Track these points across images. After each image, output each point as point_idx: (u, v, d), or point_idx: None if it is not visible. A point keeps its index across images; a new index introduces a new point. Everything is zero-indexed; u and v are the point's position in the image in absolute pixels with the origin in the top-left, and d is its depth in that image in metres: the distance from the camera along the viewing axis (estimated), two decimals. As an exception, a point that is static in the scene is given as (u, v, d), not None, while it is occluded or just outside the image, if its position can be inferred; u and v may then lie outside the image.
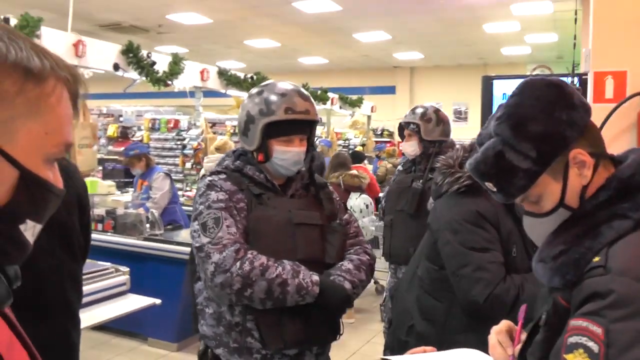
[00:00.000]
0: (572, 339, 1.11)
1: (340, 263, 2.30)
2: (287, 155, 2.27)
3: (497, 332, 1.53)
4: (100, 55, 7.31)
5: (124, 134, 10.90)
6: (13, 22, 6.08)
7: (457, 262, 2.32)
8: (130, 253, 5.25)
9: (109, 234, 5.49)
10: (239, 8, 12.08)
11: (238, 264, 2.05)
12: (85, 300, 3.46)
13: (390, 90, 18.67)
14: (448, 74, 17.83)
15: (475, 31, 13.74)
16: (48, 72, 0.80)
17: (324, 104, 13.36)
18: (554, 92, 1.31)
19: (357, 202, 6.12)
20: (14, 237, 0.82)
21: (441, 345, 1.68)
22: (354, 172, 6.31)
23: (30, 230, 0.84)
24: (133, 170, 6.49)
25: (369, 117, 15.66)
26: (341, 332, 2.34)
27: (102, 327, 5.62)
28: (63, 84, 0.83)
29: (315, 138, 12.08)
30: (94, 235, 5.39)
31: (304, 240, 2.24)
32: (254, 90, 2.34)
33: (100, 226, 5.52)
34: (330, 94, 13.55)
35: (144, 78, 7.93)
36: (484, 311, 2.21)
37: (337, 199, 2.49)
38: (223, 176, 2.29)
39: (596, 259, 1.19)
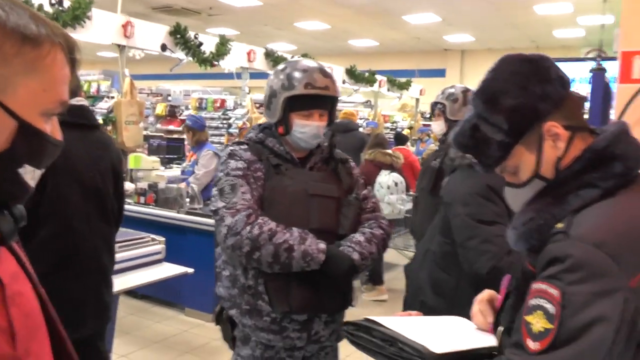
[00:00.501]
0: (533, 302, 1.17)
1: (352, 235, 2.38)
2: (306, 128, 2.37)
3: (479, 301, 1.59)
4: (149, 36, 7.56)
5: (172, 113, 11.18)
6: (67, 3, 6.34)
7: (465, 234, 2.38)
8: (169, 225, 5.44)
9: (150, 206, 5.71)
10: (289, -10, 12.20)
11: (248, 227, 2.17)
12: (122, 266, 3.67)
13: (441, 73, 18.44)
14: (500, 57, 17.43)
15: (526, 13, 13.46)
16: (44, 37, 0.92)
17: (371, 86, 13.39)
18: (528, 67, 1.35)
19: (385, 178, 6.21)
20: (15, 179, 0.94)
21: None
22: (388, 150, 6.42)
23: (29, 174, 0.96)
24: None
25: (417, 100, 15.60)
26: (353, 303, 2.43)
27: (143, 296, 5.91)
28: (59, 48, 0.95)
29: (363, 120, 12.09)
30: (135, 207, 5.66)
31: (318, 211, 2.34)
32: (279, 67, 2.45)
33: (142, 199, 5.74)
34: (378, 76, 13.56)
35: (190, 58, 8.14)
36: (488, 283, 2.26)
37: (357, 174, 2.57)
38: (244, 147, 2.41)
39: (559, 225, 1.23)
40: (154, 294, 5.81)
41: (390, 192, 6.16)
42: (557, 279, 1.14)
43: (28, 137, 0.92)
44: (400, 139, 8.97)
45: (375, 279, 6.58)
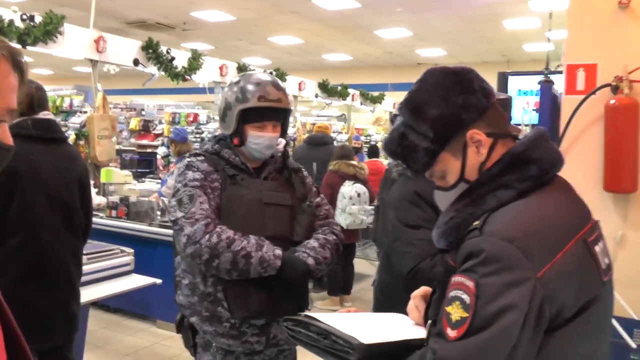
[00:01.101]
0: (452, 293, 1.25)
1: (307, 241, 2.46)
2: (260, 139, 2.46)
3: (413, 297, 1.69)
4: (121, 51, 7.60)
5: (146, 127, 11.23)
6: (38, 19, 6.39)
7: (392, 237, 2.53)
8: (140, 238, 5.49)
9: (122, 219, 5.75)
10: (261, 5, 12.31)
11: (207, 236, 2.24)
12: (91, 277, 3.73)
13: (414, 87, 18.59)
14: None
15: (496, 27, 13.75)
16: None
17: (344, 99, 13.53)
18: (450, 79, 1.43)
19: (348, 189, 6.33)
20: None
21: None
22: (353, 162, 6.55)
23: None
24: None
25: (390, 114, 15.77)
26: (309, 307, 2.51)
27: (115, 309, 5.93)
28: (4, 59, 1.03)
29: (337, 133, 12.19)
30: (106, 221, 5.69)
31: (272, 218, 2.42)
32: (233, 80, 2.54)
33: (114, 213, 5.79)
34: (351, 90, 13.70)
35: (162, 73, 8.21)
36: (408, 283, 2.37)
37: (310, 182, 2.66)
38: (201, 158, 2.48)
39: (476, 223, 1.33)
40: (126, 307, 5.84)
41: (353, 203, 6.28)
42: (472, 272, 1.23)
43: None
44: (373, 152, 9.13)
45: (334, 290, 6.69)
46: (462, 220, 1.37)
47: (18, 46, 6.22)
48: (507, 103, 2.68)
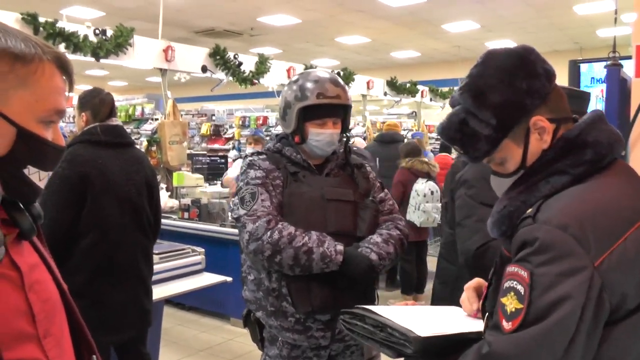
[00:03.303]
0: (507, 284, 1.23)
1: (370, 236, 2.46)
2: (320, 137, 2.47)
3: (466, 288, 1.65)
4: (189, 59, 7.85)
5: (216, 132, 11.50)
6: (109, 33, 6.69)
7: (463, 213, 2.46)
8: (211, 238, 5.65)
9: (194, 221, 5.94)
10: (327, 6, 12.34)
11: (269, 233, 2.28)
12: (164, 275, 3.89)
13: (484, 80, 18.23)
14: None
15: (566, 13, 13.24)
16: (33, 55, 1.08)
17: (414, 96, 13.44)
18: (513, 62, 1.37)
19: (422, 186, 6.26)
20: (21, 178, 1.09)
21: None
22: (425, 159, 6.49)
23: (35, 175, 1.11)
24: (249, 148, 6.76)
25: (452, 98, 15.51)
26: (376, 303, 2.51)
27: (190, 307, 6.11)
28: (47, 64, 1.10)
29: (408, 131, 12.13)
30: (179, 222, 5.88)
31: (335, 214, 2.43)
32: (292, 79, 2.57)
33: (186, 214, 5.98)
34: (420, 87, 13.59)
35: (231, 78, 8.41)
36: (475, 260, 2.31)
37: (373, 178, 2.65)
38: (263, 156, 2.53)
39: (529, 211, 1.29)
40: (200, 305, 6.03)
41: (426, 200, 6.23)
42: (526, 261, 1.20)
43: (26, 141, 1.07)
44: (445, 147, 9.10)
45: (407, 288, 6.66)
46: (515, 208, 1.34)
47: (91, 59, 6.53)
48: (585, 98, 2.59)
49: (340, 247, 2.32)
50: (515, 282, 1.21)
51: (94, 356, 1.29)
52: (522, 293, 1.18)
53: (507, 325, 1.20)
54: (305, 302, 2.35)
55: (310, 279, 2.33)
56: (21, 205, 1.15)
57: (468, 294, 1.63)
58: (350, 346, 2.54)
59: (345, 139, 2.63)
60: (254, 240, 2.29)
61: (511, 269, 1.24)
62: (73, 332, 1.24)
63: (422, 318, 1.56)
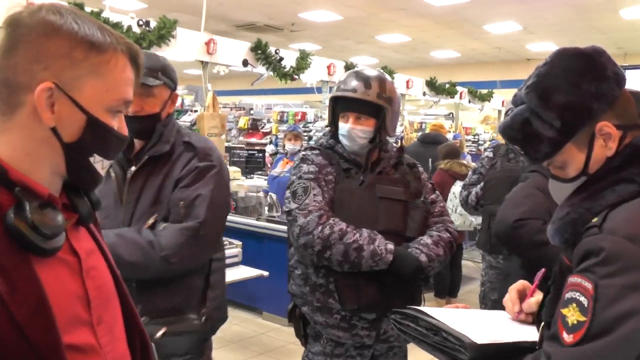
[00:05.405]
0: (568, 295, 1.19)
1: (420, 237, 2.45)
2: (342, 130, 2.50)
3: (511, 290, 1.61)
4: (231, 53, 7.86)
5: (254, 126, 11.55)
6: (153, 24, 6.75)
7: (515, 190, 2.48)
8: (247, 231, 5.67)
9: (230, 214, 5.94)
10: (368, 4, 12.31)
11: (320, 227, 2.29)
12: (200, 268, 3.89)
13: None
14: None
15: (611, 17, 12.97)
16: (108, 44, 1.08)
17: (452, 97, 13.30)
18: (582, 63, 1.32)
19: (459, 189, 6.18)
20: (87, 166, 1.10)
21: None
22: (463, 161, 6.41)
23: (99, 163, 1.12)
24: (288, 144, 6.89)
25: (499, 112, 15.31)
26: (422, 304, 2.49)
27: (224, 300, 6.13)
28: (121, 54, 1.11)
29: (450, 133, 11.99)
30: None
31: (385, 212, 2.42)
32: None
33: (223, 207, 5.99)
34: (458, 88, 13.45)
35: (271, 73, 8.42)
36: (511, 231, 2.30)
37: (425, 178, 2.64)
38: (316, 152, 2.55)
39: (594, 219, 1.24)
40: (233, 297, 6.02)
41: (464, 203, 6.14)
42: (591, 272, 1.15)
43: (94, 129, 1.08)
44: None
45: (441, 291, 6.58)
46: (579, 216, 1.28)
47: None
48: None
49: (390, 246, 2.31)
50: (577, 294, 1.16)
51: (153, 345, 1.30)
52: (585, 305, 1.14)
53: (567, 337, 1.15)
54: (353, 300, 2.35)
55: (358, 276, 2.33)
56: (81, 191, 1.16)
57: (511, 295, 1.60)
58: (394, 347, 2.53)
59: (392, 140, 2.61)
60: (304, 235, 2.30)
61: (574, 279, 1.19)
62: (125, 321, 1.24)
63: (474, 323, 1.53)
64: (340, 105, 2.51)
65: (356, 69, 2.57)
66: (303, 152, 2.57)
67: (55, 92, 1.03)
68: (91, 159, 1.10)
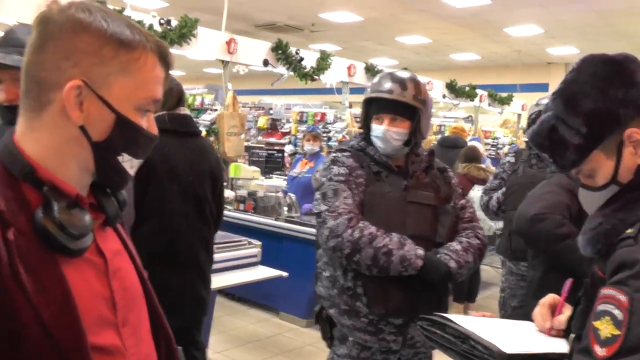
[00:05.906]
0: (601, 307, 1.16)
1: (449, 243, 2.42)
2: (376, 132, 2.47)
3: (541, 304, 1.58)
4: (251, 52, 7.90)
5: (273, 126, 11.57)
6: (174, 23, 6.78)
7: (536, 188, 2.49)
8: (266, 231, 5.67)
9: (249, 213, 5.97)
10: (389, 5, 12.27)
11: (349, 230, 2.27)
12: (219, 266, 3.90)
13: (543, 87, 17.65)
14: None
15: (635, 22, 12.85)
16: (137, 43, 1.06)
17: (472, 100, 13.23)
18: (610, 69, 1.30)
19: (477, 193, 6.10)
20: (115, 165, 1.09)
21: None
22: (482, 165, 6.31)
23: (127, 162, 1.10)
24: (307, 145, 6.80)
25: (519, 116, 15.21)
26: (447, 311, 2.44)
27: (240, 298, 6.15)
28: (150, 52, 1.09)
29: (469, 138, 11.96)
30: (234, 214, 5.92)
31: (415, 217, 2.40)
32: None
33: (242, 206, 6.01)
34: (478, 91, 13.37)
35: (291, 73, 8.42)
36: (530, 224, 2.30)
37: (455, 183, 2.61)
38: (347, 154, 2.53)
39: (629, 230, 1.21)
40: (250, 296, 6.06)
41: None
42: (625, 285, 1.13)
43: (123, 128, 1.06)
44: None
45: (459, 296, 6.53)
46: (612, 226, 1.26)
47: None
48: None
49: (421, 251, 2.29)
50: (611, 306, 1.14)
51: (180, 348, 1.29)
52: (620, 318, 1.11)
53: (600, 351, 1.13)
54: (380, 304, 2.34)
55: (387, 281, 2.31)
56: (109, 191, 1.15)
57: (542, 310, 1.57)
58: (419, 353, 2.51)
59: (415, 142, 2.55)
60: (333, 237, 2.29)
61: (607, 291, 1.17)
62: (152, 323, 1.23)
63: (502, 332, 1.51)
64: (374, 107, 2.48)
65: (388, 70, 2.57)
66: (334, 154, 2.55)
67: (84, 90, 1.02)
68: (119, 158, 1.09)
